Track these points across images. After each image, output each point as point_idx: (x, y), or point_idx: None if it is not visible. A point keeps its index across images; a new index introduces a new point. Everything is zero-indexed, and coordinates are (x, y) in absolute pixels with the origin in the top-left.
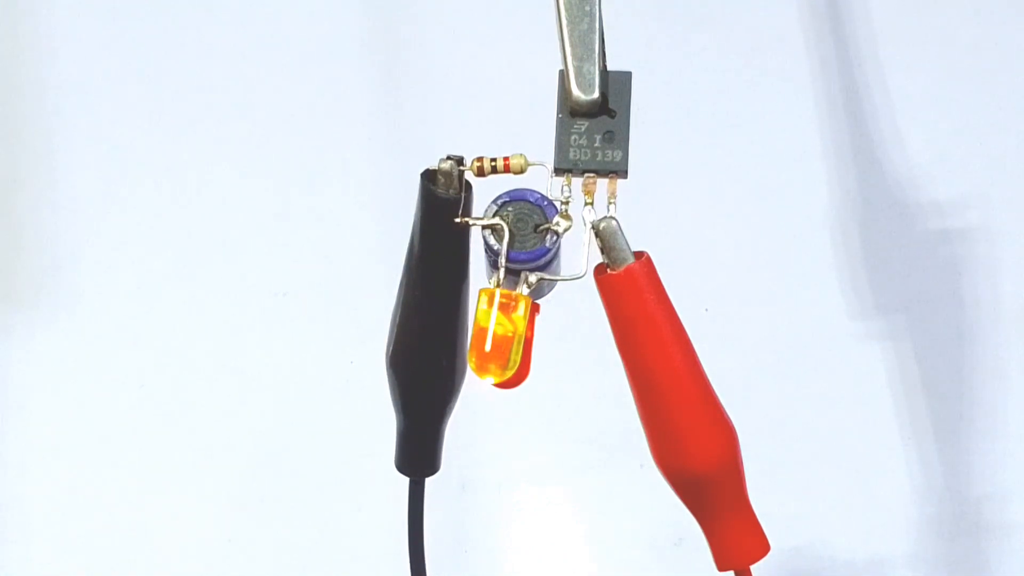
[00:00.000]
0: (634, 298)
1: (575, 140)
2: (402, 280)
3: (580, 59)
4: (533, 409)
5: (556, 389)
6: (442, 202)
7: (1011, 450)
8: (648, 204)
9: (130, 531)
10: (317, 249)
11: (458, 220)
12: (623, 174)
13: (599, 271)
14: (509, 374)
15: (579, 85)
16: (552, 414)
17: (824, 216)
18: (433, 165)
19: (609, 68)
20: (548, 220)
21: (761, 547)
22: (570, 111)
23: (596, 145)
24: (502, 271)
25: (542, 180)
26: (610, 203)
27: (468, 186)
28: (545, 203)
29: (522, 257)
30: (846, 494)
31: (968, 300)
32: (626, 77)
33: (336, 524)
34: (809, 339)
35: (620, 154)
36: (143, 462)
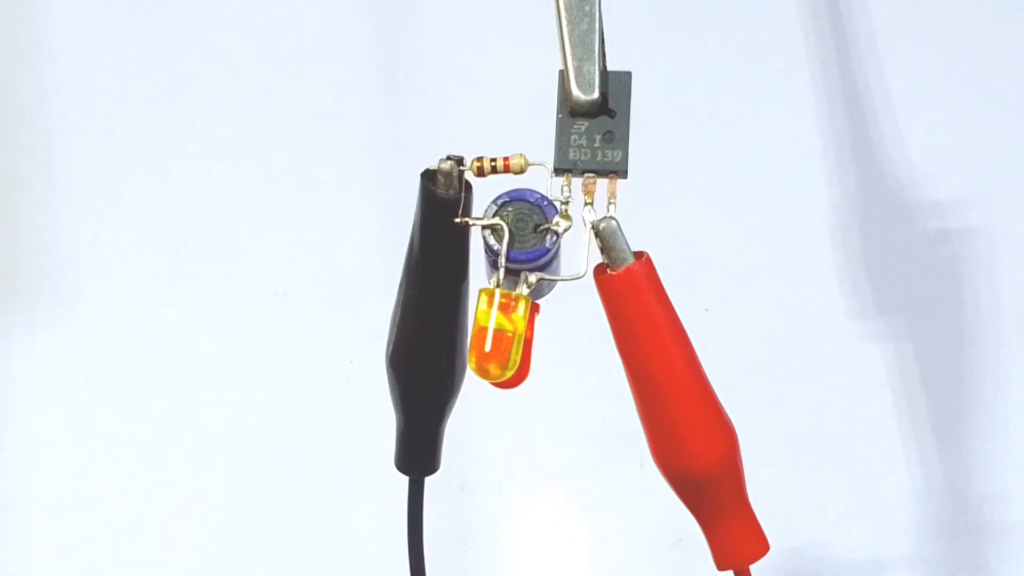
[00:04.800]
0: (634, 298)
1: (575, 140)
2: (402, 280)
3: (580, 59)
4: (533, 409)
5: (556, 389)
6: (442, 202)
7: (1011, 450)
8: (648, 204)
9: (130, 531)
10: (317, 249)
11: (458, 220)
12: (623, 174)
13: (599, 271)
14: (509, 374)
15: (579, 85)
16: (552, 414)
17: (824, 216)
18: (433, 165)
19: (609, 68)
20: (548, 220)
21: (761, 547)
22: (570, 111)
23: (596, 145)
24: (502, 271)
25: (542, 180)
26: (610, 203)
27: (468, 186)
28: (545, 203)
29: (522, 257)
30: (846, 494)
31: (968, 300)
32: (626, 77)
33: (336, 524)
34: (809, 339)
35: (620, 154)
36: (143, 462)
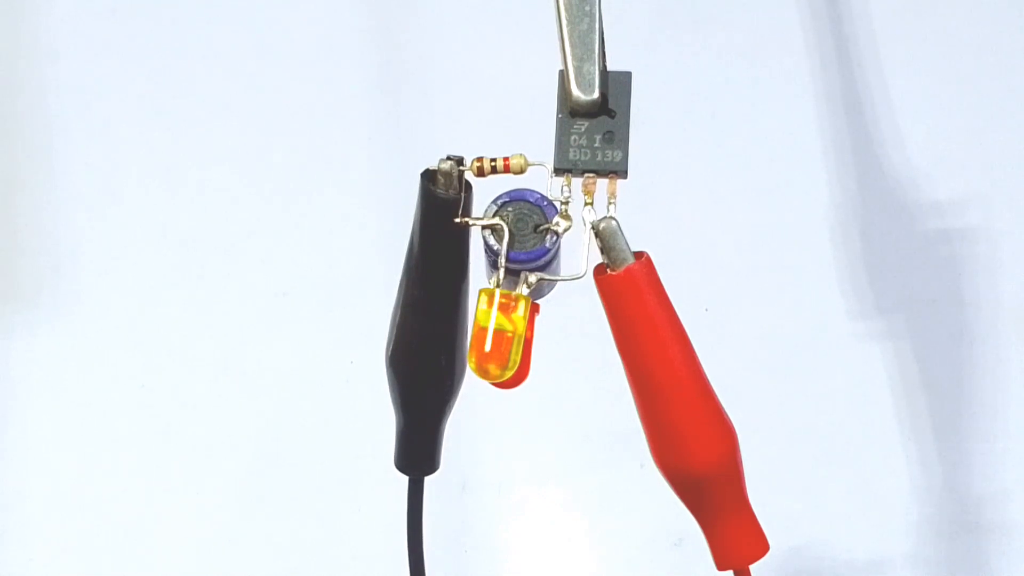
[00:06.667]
0: (634, 298)
1: (575, 140)
2: (402, 280)
3: (580, 59)
4: (533, 409)
5: (556, 389)
6: (442, 202)
7: (1011, 450)
8: (648, 204)
9: (130, 531)
10: (317, 249)
11: (458, 220)
12: (623, 174)
13: (599, 271)
14: (509, 374)
15: (579, 85)
16: (552, 414)
17: (824, 216)
18: (433, 165)
19: (609, 68)
20: (548, 220)
21: (761, 547)
22: (570, 111)
23: (596, 145)
24: (502, 271)
25: (542, 180)
26: (610, 203)
27: (468, 186)
28: (545, 203)
29: (522, 257)
30: (846, 494)
31: (968, 300)
32: (626, 77)
33: (336, 524)
34: (809, 339)
35: (620, 154)
36: (143, 462)
